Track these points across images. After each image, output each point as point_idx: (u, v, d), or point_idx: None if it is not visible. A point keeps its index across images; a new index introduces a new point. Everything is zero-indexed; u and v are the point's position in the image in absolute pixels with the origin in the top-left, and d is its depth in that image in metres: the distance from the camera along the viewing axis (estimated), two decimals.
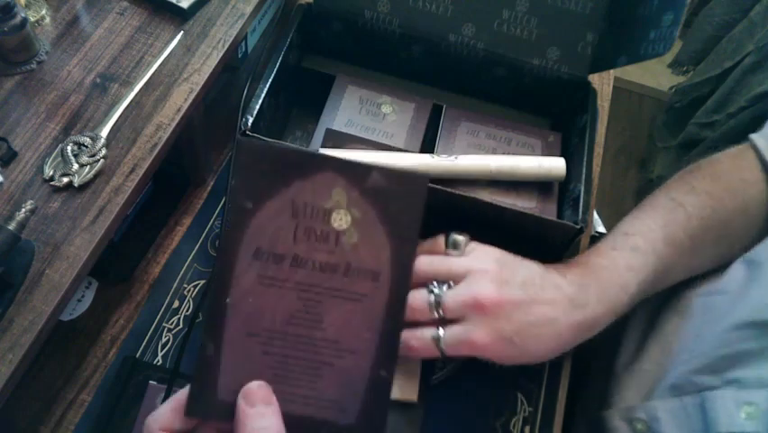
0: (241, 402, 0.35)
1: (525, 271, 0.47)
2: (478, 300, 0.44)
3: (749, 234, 0.54)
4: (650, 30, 0.53)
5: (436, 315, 0.46)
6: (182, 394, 0.37)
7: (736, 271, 0.52)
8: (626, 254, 0.49)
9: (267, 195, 0.37)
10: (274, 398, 0.36)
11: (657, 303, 0.59)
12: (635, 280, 0.48)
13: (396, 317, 0.38)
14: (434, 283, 0.46)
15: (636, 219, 0.53)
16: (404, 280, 0.39)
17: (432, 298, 0.46)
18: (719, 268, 0.55)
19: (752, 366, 0.46)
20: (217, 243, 0.51)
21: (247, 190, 0.37)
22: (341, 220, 0.38)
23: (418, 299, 0.46)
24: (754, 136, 0.56)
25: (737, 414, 0.45)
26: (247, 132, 0.55)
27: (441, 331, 0.46)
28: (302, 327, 0.37)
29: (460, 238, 0.49)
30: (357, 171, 0.38)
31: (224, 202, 0.64)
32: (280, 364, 0.37)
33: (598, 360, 0.64)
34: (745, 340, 0.46)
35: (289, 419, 0.36)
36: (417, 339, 0.46)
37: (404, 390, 0.55)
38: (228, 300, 0.37)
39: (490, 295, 0.44)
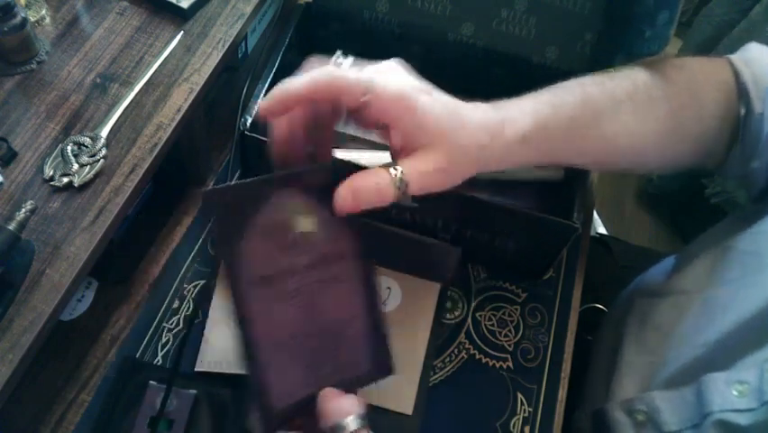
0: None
1: None
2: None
3: (701, 135, 0.50)
4: (645, 28, 0.53)
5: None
6: None
7: (735, 263, 0.52)
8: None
9: (240, 234, 0.41)
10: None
11: (655, 296, 0.59)
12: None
13: (370, 280, 0.44)
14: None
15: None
16: (364, 249, 0.44)
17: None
18: (712, 261, 0.54)
19: (753, 354, 0.46)
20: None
21: (223, 238, 0.41)
22: (302, 224, 0.42)
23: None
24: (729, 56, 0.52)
25: (729, 393, 0.45)
26: (246, 132, 0.55)
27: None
28: (311, 324, 0.42)
29: None
30: (296, 180, 0.42)
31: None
32: (309, 357, 0.42)
33: (598, 358, 0.64)
34: (751, 333, 0.46)
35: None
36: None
37: (399, 402, 0.55)
38: (252, 331, 0.41)
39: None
